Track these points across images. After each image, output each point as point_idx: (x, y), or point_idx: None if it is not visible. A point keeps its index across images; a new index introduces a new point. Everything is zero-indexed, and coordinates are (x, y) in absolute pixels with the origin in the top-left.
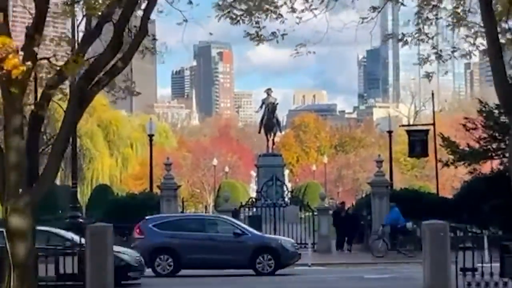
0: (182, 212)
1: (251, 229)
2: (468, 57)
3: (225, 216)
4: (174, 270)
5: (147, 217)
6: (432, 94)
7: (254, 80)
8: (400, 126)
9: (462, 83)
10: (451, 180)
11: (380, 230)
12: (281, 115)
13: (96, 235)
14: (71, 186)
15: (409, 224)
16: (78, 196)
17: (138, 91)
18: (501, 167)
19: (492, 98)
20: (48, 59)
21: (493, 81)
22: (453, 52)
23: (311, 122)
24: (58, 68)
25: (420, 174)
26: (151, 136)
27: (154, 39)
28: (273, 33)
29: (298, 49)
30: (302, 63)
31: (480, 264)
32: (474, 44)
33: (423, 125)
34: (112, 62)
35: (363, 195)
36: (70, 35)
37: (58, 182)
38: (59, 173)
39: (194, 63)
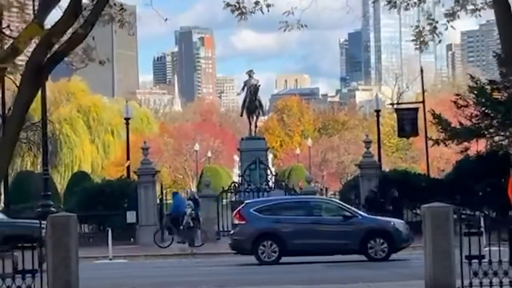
0: (161, 199)
1: (361, 212)
2: (477, 15)
3: (332, 198)
4: (278, 257)
5: (247, 201)
6: (421, 70)
7: (237, 66)
8: (388, 104)
9: (444, 65)
10: (437, 161)
11: (164, 219)
12: (264, 99)
13: (58, 226)
14: (43, 173)
15: (192, 213)
16: (58, 184)
17: (103, 59)
18: (494, 146)
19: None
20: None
21: (499, 36)
22: (451, 16)
23: (294, 106)
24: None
25: (405, 156)
26: (127, 119)
27: (122, 9)
28: (257, 3)
29: (285, 17)
30: (285, 48)
31: (486, 250)
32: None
33: (412, 103)
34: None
35: (348, 178)
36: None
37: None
38: (35, 161)
39: (176, 49)
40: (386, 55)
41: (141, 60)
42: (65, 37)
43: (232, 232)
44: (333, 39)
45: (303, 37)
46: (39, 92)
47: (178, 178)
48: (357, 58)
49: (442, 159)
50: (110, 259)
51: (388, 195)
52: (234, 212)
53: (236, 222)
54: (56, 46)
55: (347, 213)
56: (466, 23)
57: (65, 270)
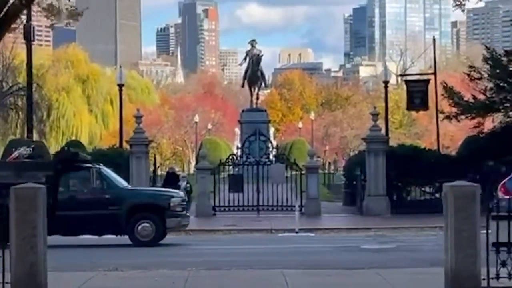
0: (154, 171)
1: None
2: None
3: None
4: None
5: None
6: (434, 40)
7: (241, 39)
8: (397, 75)
9: (449, 42)
10: (442, 138)
11: None
12: (267, 73)
13: (23, 199)
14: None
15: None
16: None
17: (81, 12)
18: (509, 121)
19: (479, 56)
20: None
21: None
22: None
23: (296, 79)
24: None
25: (409, 132)
26: (120, 86)
27: None
28: None
29: None
30: (291, 22)
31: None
32: None
33: (423, 74)
34: None
35: (350, 153)
36: None
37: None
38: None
39: (179, 21)
40: (390, 31)
41: (144, 31)
42: None
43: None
44: (338, 14)
45: (310, 11)
46: (25, 56)
47: (178, 150)
48: (361, 33)
49: (447, 136)
50: None
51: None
52: (499, 185)
53: (501, 196)
54: None
55: None
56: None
57: (30, 251)
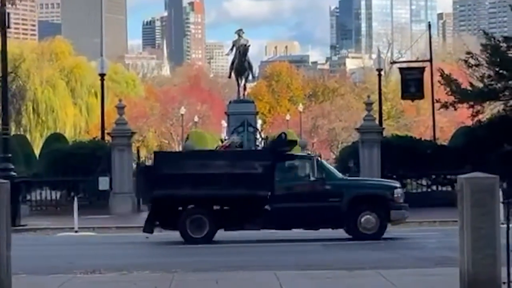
0: (137, 163)
1: None
2: None
3: None
4: None
5: None
6: (429, 25)
7: (228, 32)
8: (391, 63)
9: (435, 33)
10: (431, 129)
11: None
12: (254, 66)
13: None
14: (1, 133)
15: None
16: (38, 147)
17: None
18: (508, 110)
19: (467, 46)
20: None
21: None
22: None
23: (283, 71)
24: None
25: (397, 124)
26: (102, 75)
27: None
28: None
29: None
30: (279, 15)
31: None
32: None
33: (418, 61)
34: None
35: (339, 146)
36: None
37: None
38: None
39: (165, 14)
40: (377, 23)
41: (130, 24)
42: None
43: None
44: (325, 6)
45: (297, 4)
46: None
47: (164, 143)
48: (347, 26)
49: (437, 127)
50: (76, 231)
51: None
52: None
53: None
54: None
55: None
56: None
57: None
